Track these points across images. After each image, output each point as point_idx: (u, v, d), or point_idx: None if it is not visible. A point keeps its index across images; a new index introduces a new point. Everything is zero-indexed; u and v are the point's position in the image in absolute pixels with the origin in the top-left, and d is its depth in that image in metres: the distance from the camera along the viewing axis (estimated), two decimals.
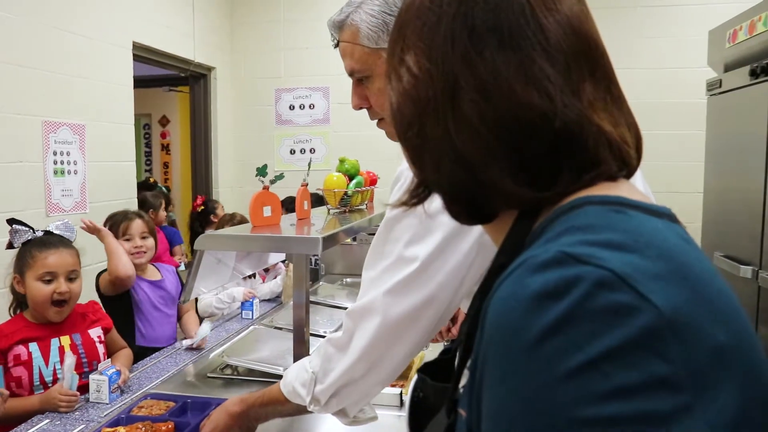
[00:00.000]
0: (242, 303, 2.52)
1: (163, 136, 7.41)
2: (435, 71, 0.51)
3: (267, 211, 1.74)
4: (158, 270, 2.41)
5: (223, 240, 1.56)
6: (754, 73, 2.52)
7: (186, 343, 2.12)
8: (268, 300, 2.79)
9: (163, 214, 4.10)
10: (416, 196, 0.58)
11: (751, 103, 2.53)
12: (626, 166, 0.52)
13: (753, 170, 2.42)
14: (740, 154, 2.61)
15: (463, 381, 0.54)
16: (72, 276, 1.81)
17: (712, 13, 3.77)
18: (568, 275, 0.41)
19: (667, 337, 0.39)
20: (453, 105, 0.50)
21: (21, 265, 1.76)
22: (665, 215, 0.49)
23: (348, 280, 3.13)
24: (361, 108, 1.11)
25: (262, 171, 1.73)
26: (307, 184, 2.01)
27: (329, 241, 1.53)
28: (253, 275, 2.76)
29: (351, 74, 1.07)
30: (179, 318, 2.42)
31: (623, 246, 0.42)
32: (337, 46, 1.09)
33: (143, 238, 2.29)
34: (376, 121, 1.14)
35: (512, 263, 0.47)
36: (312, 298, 2.67)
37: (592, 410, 0.38)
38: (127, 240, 2.26)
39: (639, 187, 0.60)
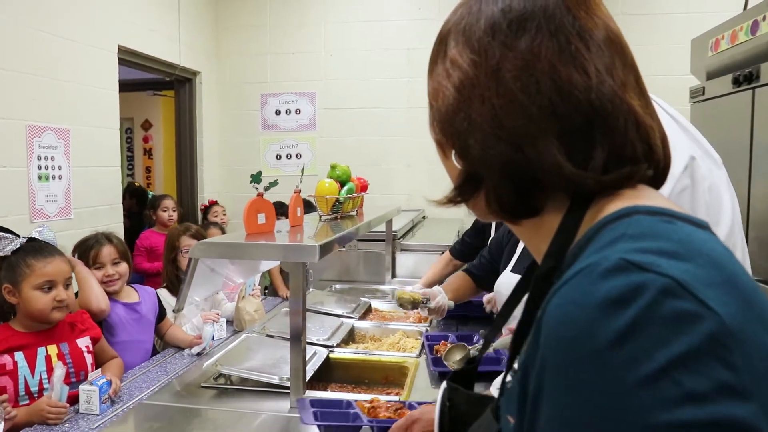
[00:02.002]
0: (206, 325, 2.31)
1: (146, 140, 7.33)
2: (478, 58, 0.54)
3: (261, 218, 1.73)
4: (136, 292, 2.27)
5: (218, 248, 1.54)
6: (737, 81, 2.58)
7: (196, 350, 2.09)
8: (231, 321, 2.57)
9: (163, 215, 4.06)
10: (463, 192, 0.59)
11: (734, 111, 2.58)
12: (653, 156, 0.55)
13: (736, 177, 2.43)
14: (723, 161, 2.66)
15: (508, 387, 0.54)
16: (68, 283, 1.80)
17: (694, 22, 3.84)
18: (633, 282, 0.41)
19: (729, 345, 0.40)
20: (497, 84, 0.53)
21: (14, 275, 1.72)
22: (706, 227, 0.51)
23: (337, 286, 3.12)
24: None
25: (256, 178, 1.72)
26: (300, 191, 2.00)
27: (326, 248, 1.52)
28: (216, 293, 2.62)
29: None
30: (162, 336, 2.29)
31: (677, 255, 0.43)
32: None
33: (115, 263, 2.15)
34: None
35: (565, 269, 0.48)
36: None
37: (666, 416, 0.38)
38: (98, 268, 2.13)
39: None
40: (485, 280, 2.25)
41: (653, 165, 0.55)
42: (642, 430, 0.39)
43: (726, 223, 0.93)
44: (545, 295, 0.53)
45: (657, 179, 0.57)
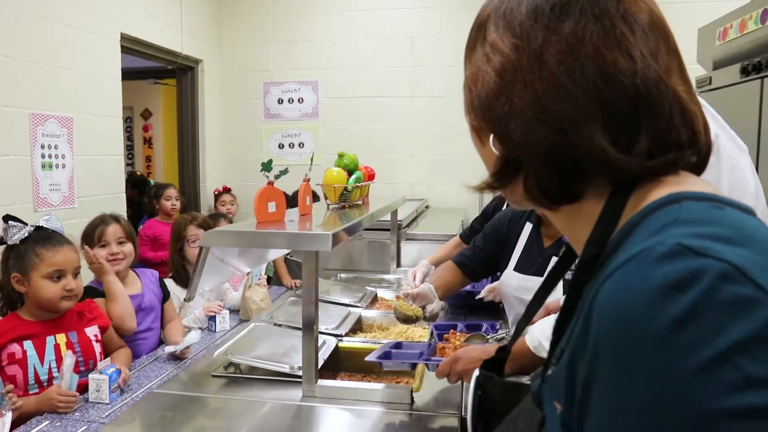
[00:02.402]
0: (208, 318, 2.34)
1: (146, 129, 7.29)
2: (520, 42, 0.54)
3: (272, 207, 1.71)
4: (139, 278, 2.23)
5: (229, 237, 1.53)
6: (745, 71, 2.56)
7: (168, 349, 1.98)
8: (238, 310, 2.57)
9: (166, 204, 4.05)
10: (501, 178, 0.58)
11: (742, 101, 2.56)
12: (697, 142, 0.54)
13: None
14: None
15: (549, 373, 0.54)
16: (76, 272, 1.79)
17: (700, 11, 3.82)
18: (692, 267, 0.41)
19: None
20: (540, 68, 0.52)
21: (23, 264, 1.71)
22: (752, 213, 0.50)
23: (342, 275, 3.11)
24: None
25: (267, 166, 1.70)
26: (309, 179, 1.98)
27: (338, 237, 1.52)
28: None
29: None
30: (163, 325, 2.26)
31: (731, 240, 0.43)
32: None
33: (120, 243, 2.12)
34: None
35: (607, 256, 0.48)
36: None
37: (727, 402, 0.38)
38: (103, 246, 2.09)
39: None
40: (476, 271, 2.20)
41: (696, 151, 0.54)
42: (701, 416, 0.38)
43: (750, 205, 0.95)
44: (587, 282, 0.52)
45: (699, 166, 0.56)
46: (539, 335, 1.28)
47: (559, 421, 0.49)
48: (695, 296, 0.40)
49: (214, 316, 2.30)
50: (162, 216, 4.12)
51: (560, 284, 1.89)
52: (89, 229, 2.16)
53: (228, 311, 2.38)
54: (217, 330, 2.28)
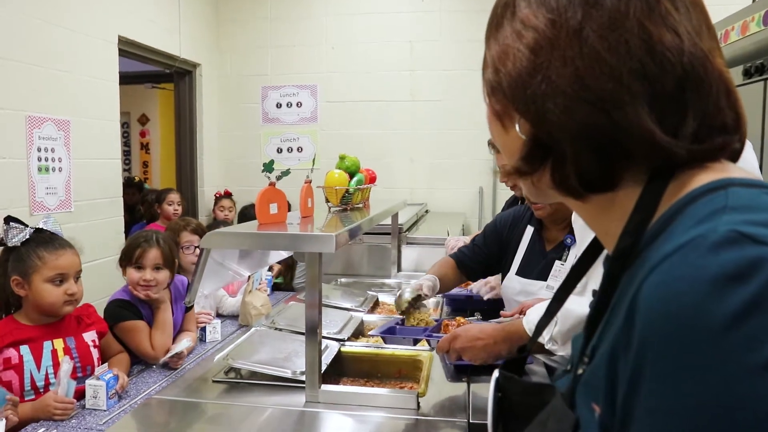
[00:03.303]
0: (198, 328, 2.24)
1: (143, 135, 7.25)
2: (558, 18, 0.50)
3: (273, 208, 1.68)
4: (170, 293, 2.10)
5: (231, 238, 1.50)
6: (747, 73, 2.55)
7: (163, 357, 1.91)
8: (235, 316, 2.52)
9: (168, 208, 4.03)
10: (532, 163, 0.54)
11: (745, 103, 2.53)
12: (740, 127, 0.52)
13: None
14: None
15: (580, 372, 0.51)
16: (78, 276, 1.75)
17: None
18: (750, 256, 0.38)
19: None
20: (581, 43, 0.49)
21: (23, 267, 1.67)
22: None
23: (342, 280, 3.08)
24: None
25: (268, 167, 1.67)
26: (310, 181, 1.95)
27: (342, 239, 1.49)
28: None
29: None
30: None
31: None
32: None
33: (156, 269, 2.00)
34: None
35: (644, 247, 0.45)
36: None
37: None
38: (138, 268, 1.99)
39: None
40: (474, 271, 2.16)
41: (740, 137, 0.51)
42: (764, 418, 0.35)
43: None
44: (621, 274, 0.49)
45: (736, 154, 0.53)
46: (536, 319, 1.31)
47: (597, 423, 0.46)
48: (756, 288, 0.37)
49: (204, 327, 2.22)
50: (163, 220, 4.10)
51: (559, 271, 1.84)
52: (131, 246, 2.04)
53: (219, 321, 2.29)
54: (207, 341, 2.18)
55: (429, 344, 1.65)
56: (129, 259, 2.01)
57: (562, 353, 1.30)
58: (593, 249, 0.66)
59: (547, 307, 0.71)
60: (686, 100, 0.49)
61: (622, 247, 0.50)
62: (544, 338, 1.28)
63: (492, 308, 2.35)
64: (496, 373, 0.69)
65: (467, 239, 2.59)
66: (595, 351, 0.50)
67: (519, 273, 2.01)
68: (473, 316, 2.23)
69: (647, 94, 0.48)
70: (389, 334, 1.73)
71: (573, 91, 0.49)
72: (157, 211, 4.10)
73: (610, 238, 0.56)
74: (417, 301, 1.96)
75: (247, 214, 4.39)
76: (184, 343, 1.96)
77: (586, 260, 0.67)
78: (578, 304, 0.99)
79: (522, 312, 1.70)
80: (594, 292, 0.70)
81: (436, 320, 1.98)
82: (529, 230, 2.04)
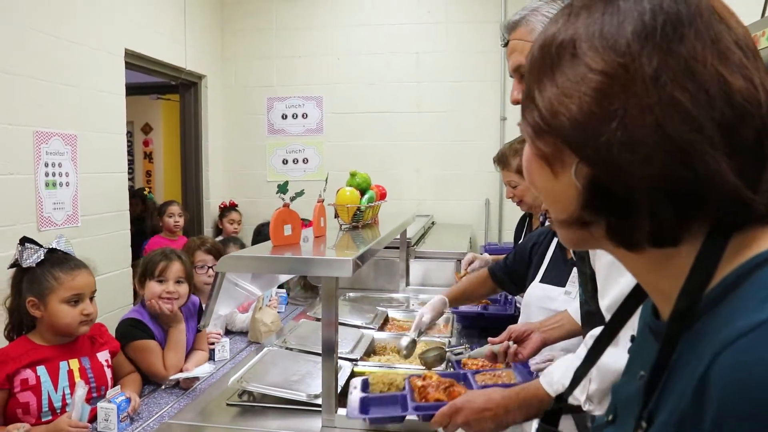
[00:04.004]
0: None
1: (146, 144, 7.25)
2: (630, 62, 0.48)
3: (287, 230, 1.67)
4: (181, 313, 2.07)
5: (247, 262, 1.49)
6: None
7: (174, 376, 1.89)
8: (245, 333, 2.51)
9: (169, 220, 4.04)
10: (599, 211, 0.52)
11: None
12: None
13: None
14: None
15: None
16: (93, 295, 1.75)
17: None
18: None
19: None
20: (658, 91, 0.47)
21: (39, 288, 1.66)
22: None
23: (351, 294, 3.06)
24: (518, 103, 1.19)
25: (282, 188, 1.66)
26: (323, 200, 1.94)
27: (359, 262, 1.47)
28: None
29: (516, 69, 1.14)
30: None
31: None
32: (506, 45, 1.17)
33: (178, 282, 2.03)
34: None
35: (705, 311, 0.43)
36: (317, 316, 2.59)
37: None
38: (160, 282, 2.00)
39: None
40: (503, 281, 2.22)
41: None
42: None
43: None
44: (680, 336, 0.48)
45: None
46: (562, 379, 1.16)
47: None
48: None
49: (213, 345, 2.20)
50: (166, 233, 4.09)
51: (576, 276, 1.78)
52: (152, 261, 2.05)
53: (228, 339, 2.27)
54: (216, 359, 2.16)
55: (419, 418, 1.38)
56: (152, 273, 2.01)
57: (599, 413, 1.13)
58: (632, 300, 0.65)
59: (585, 358, 0.69)
60: (765, 153, 0.47)
61: (681, 309, 0.48)
62: (580, 399, 1.11)
63: (502, 327, 2.33)
64: (535, 424, 0.67)
65: (486, 257, 2.70)
66: (653, 415, 0.48)
67: (543, 280, 2.07)
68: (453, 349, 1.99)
69: (728, 146, 0.47)
70: (365, 413, 1.43)
71: (653, 141, 0.47)
72: (159, 224, 4.10)
73: (661, 296, 0.54)
74: (414, 345, 1.98)
75: (262, 231, 4.34)
76: (206, 368, 1.94)
77: (624, 312, 0.66)
78: (614, 358, 0.93)
79: (510, 338, 1.68)
80: (632, 338, 0.69)
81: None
82: (554, 241, 2.10)
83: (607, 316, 0.96)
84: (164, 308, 1.97)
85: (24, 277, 1.69)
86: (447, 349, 1.89)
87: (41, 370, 1.64)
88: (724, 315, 0.45)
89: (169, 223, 4.07)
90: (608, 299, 1.06)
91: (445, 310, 2.16)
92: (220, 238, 4.69)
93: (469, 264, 2.64)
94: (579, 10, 0.53)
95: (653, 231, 0.49)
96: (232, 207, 4.75)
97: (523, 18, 1.12)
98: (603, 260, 1.09)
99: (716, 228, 0.49)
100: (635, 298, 0.65)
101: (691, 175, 0.47)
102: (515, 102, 1.14)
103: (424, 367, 1.83)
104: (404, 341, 1.96)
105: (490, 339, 1.80)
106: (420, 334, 2.04)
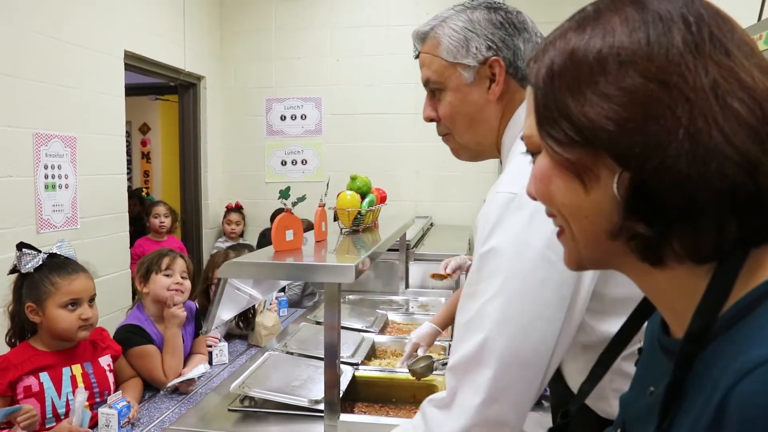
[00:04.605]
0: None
1: (144, 144, 7.23)
2: (687, 72, 0.48)
3: (289, 235, 1.67)
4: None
5: (249, 268, 1.49)
6: None
7: (172, 381, 1.88)
8: (245, 336, 2.48)
9: (155, 221, 4.04)
10: (644, 225, 0.50)
11: None
12: None
13: None
14: None
15: None
16: (92, 300, 1.74)
17: None
18: None
19: None
20: (719, 103, 0.47)
21: (37, 293, 1.65)
22: None
23: (350, 297, 3.06)
24: (431, 120, 1.14)
25: (284, 194, 1.66)
26: (324, 205, 1.95)
27: (361, 268, 1.47)
28: None
29: (426, 84, 1.12)
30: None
31: None
32: (417, 57, 1.13)
33: (183, 277, 2.06)
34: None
35: (719, 331, 0.44)
36: (317, 319, 2.59)
37: None
38: (168, 276, 2.02)
39: None
40: None
41: None
42: None
43: None
44: (696, 356, 0.48)
45: None
46: None
47: None
48: None
49: (211, 349, 2.19)
50: (153, 234, 4.09)
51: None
52: (153, 258, 2.06)
53: (226, 344, 2.25)
54: (214, 363, 2.15)
55: None
56: (158, 267, 2.02)
57: None
58: (639, 314, 0.65)
59: (591, 372, 0.70)
60: None
61: (696, 330, 0.48)
62: None
63: None
64: None
65: (461, 258, 2.45)
66: None
67: None
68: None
69: None
70: None
71: (723, 153, 0.46)
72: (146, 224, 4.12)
73: (674, 313, 0.54)
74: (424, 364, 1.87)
75: (266, 235, 4.31)
76: (200, 368, 1.94)
77: (630, 329, 0.66)
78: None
79: (415, 349, 1.66)
80: (639, 350, 0.69)
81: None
82: None
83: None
84: (177, 299, 1.97)
85: (24, 283, 1.69)
86: (434, 360, 1.83)
87: (44, 376, 1.63)
88: (741, 339, 0.45)
89: (155, 224, 4.07)
90: None
91: (439, 338, 2.06)
92: (222, 239, 4.69)
93: (445, 267, 2.42)
94: (607, 14, 0.52)
95: (720, 243, 0.48)
96: (237, 209, 4.74)
97: (431, 30, 1.08)
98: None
99: (738, 244, 0.48)
100: (641, 314, 0.65)
101: (753, 184, 0.46)
102: (428, 119, 1.12)
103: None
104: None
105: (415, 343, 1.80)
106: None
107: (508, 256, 0.85)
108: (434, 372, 1.84)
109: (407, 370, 1.96)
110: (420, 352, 1.89)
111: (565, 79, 0.52)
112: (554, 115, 0.53)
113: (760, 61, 0.49)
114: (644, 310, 0.65)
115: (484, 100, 1.06)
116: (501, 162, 1.13)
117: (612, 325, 0.84)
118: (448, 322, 2.07)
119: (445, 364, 1.79)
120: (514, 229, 0.85)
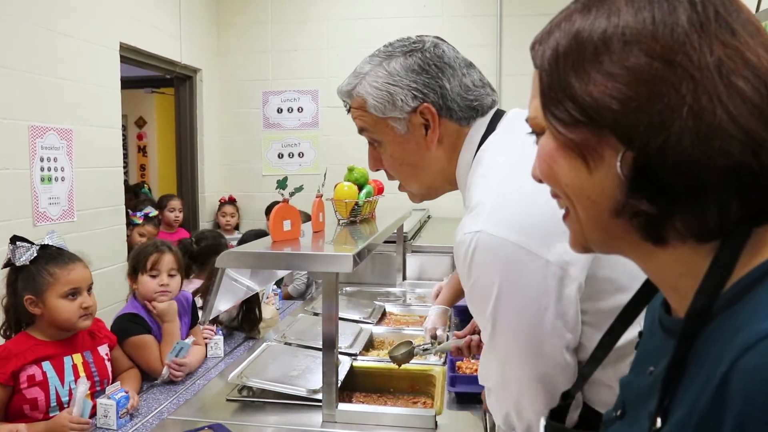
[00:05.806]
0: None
1: (140, 137, 7.21)
2: (692, 51, 0.48)
3: (287, 225, 1.67)
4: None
5: (247, 258, 1.49)
6: None
7: (165, 373, 1.88)
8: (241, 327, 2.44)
9: (170, 215, 4.04)
10: (648, 203, 0.50)
11: None
12: None
13: None
14: None
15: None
16: (90, 288, 1.74)
17: None
18: None
19: None
20: (723, 82, 0.47)
21: (36, 285, 1.65)
22: None
23: (348, 288, 3.07)
24: (378, 170, 1.15)
25: (282, 183, 1.66)
26: (321, 195, 1.95)
27: (359, 258, 1.48)
28: None
29: (361, 132, 1.11)
30: None
31: None
32: (349, 111, 1.12)
33: (171, 275, 2.01)
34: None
35: (722, 309, 0.44)
36: (314, 310, 2.60)
37: None
38: (153, 276, 1.99)
39: None
40: None
41: None
42: None
43: None
44: (698, 334, 0.49)
45: None
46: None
47: None
48: None
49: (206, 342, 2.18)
50: (165, 227, 4.08)
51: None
52: (140, 254, 2.03)
53: (221, 336, 2.24)
54: (209, 356, 2.14)
55: None
56: (144, 266, 2.00)
57: None
58: (642, 296, 0.66)
59: (592, 355, 0.70)
60: None
61: (698, 308, 0.48)
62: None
63: None
64: (543, 422, 0.68)
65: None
66: (667, 413, 0.49)
67: None
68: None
69: None
70: None
71: (727, 131, 0.46)
72: (159, 218, 4.10)
73: (676, 292, 0.54)
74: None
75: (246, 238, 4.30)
76: (186, 341, 1.90)
77: (632, 311, 0.66)
78: None
79: (474, 331, 1.63)
80: (640, 333, 0.70)
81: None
82: None
83: None
84: (159, 306, 1.96)
85: (19, 276, 1.68)
86: (414, 345, 1.79)
87: (47, 365, 1.64)
88: (743, 316, 0.45)
89: (169, 218, 4.08)
90: None
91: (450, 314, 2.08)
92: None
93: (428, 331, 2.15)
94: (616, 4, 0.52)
95: (724, 222, 0.48)
96: (230, 201, 4.75)
97: (353, 88, 1.06)
98: None
99: (741, 223, 0.48)
100: (643, 297, 0.65)
101: (756, 163, 0.46)
102: (376, 170, 1.13)
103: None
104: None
105: (455, 333, 1.78)
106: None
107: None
108: (414, 358, 1.80)
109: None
110: (439, 333, 1.89)
111: (570, 59, 0.52)
112: (559, 96, 0.53)
113: (765, 40, 0.49)
114: (646, 293, 0.65)
115: (424, 147, 1.04)
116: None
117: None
118: (453, 300, 2.10)
119: (426, 349, 1.77)
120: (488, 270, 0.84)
